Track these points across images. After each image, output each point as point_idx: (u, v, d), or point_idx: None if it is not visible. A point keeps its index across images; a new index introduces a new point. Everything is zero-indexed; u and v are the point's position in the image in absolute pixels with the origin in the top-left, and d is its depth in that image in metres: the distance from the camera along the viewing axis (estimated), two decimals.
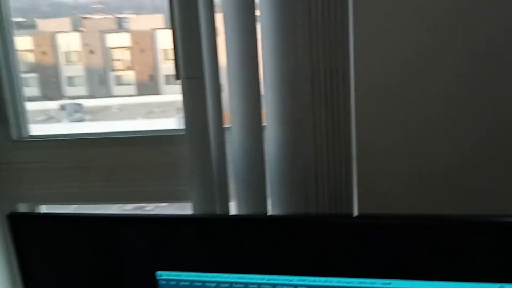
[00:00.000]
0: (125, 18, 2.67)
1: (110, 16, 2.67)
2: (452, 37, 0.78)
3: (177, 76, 0.90)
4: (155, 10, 2.73)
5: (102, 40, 2.65)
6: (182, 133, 0.92)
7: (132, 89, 2.84)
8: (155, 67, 2.78)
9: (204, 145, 0.90)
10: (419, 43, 0.80)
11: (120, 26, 2.68)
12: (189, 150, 0.91)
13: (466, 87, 0.78)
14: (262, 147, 0.90)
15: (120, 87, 2.77)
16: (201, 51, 0.86)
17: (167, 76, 2.93)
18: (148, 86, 2.76)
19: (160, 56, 2.81)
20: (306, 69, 0.85)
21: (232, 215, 0.87)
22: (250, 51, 0.87)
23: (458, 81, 0.78)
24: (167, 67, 2.99)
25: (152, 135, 1.00)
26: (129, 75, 2.73)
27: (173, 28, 0.88)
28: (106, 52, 2.68)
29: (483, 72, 0.77)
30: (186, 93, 0.89)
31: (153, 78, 2.81)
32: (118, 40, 2.68)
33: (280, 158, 0.90)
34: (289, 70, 0.86)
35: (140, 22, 2.68)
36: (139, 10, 2.73)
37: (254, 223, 0.73)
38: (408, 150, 0.84)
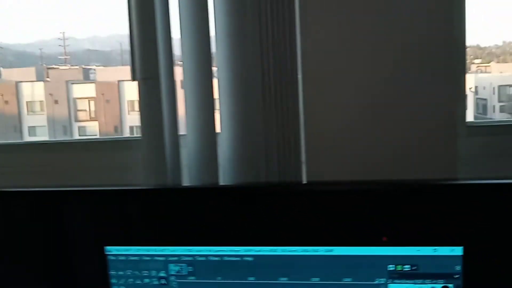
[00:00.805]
0: (92, 69, 2.69)
1: (77, 67, 2.69)
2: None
3: (133, 77, 0.90)
4: (123, 62, 2.77)
5: (67, 91, 2.65)
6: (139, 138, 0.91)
7: None
8: (120, 118, 2.77)
9: (159, 147, 0.89)
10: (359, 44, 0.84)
11: (87, 77, 2.70)
12: (144, 153, 0.89)
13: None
14: (215, 152, 0.89)
15: (83, 138, 2.76)
16: (157, 52, 0.87)
17: (132, 128, 2.93)
18: (112, 136, 2.75)
19: (126, 107, 2.83)
20: (257, 75, 0.86)
21: (180, 187, 0.84)
22: (205, 54, 0.88)
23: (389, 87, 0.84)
24: (134, 118, 2.99)
25: (108, 139, 0.99)
26: (93, 126, 2.72)
27: (130, 28, 0.89)
28: (71, 102, 2.68)
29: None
30: (142, 94, 0.89)
31: (118, 129, 2.79)
32: (83, 91, 2.69)
33: (234, 162, 0.89)
34: (241, 76, 0.87)
35: (107, 74, 2.71)
36: (106, 62, 2.76)
37: (201, 194, 0.71)
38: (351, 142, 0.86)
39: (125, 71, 2.99)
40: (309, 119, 0.86)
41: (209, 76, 0.89)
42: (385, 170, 0.82)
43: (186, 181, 0.90)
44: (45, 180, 0.95)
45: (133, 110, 3.03)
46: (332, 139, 0.87)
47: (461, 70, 0.87)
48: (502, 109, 1.86)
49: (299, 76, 0.86)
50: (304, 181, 0.87)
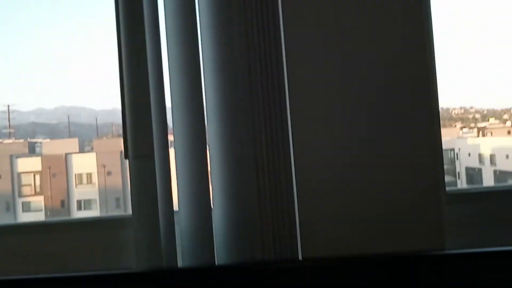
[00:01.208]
0: (37, 142, 2.61)
1: (21, 140, 2.61)
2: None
3: (126, 155, 0.89)
4: (71, 135, 2.71)
5: (11, 165, 2.54)
6: (127, 216, 0.89)
7: (41, 216, 2.69)
8: (68, 192, 2.68)
9: (153, 226, 0.87)
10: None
11: (32, 150, 2.61)
12: (137, 232, 0.87)
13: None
14: (210, 229, 0.89)
15: (27, 213, 2.62)
16: (152, 129, 0.87)
17: (79, 202, 2.82)
18: (59, 212, 2.63)
19: (74, 180, 2.74)
20: (249, 150, 0.88)
21: (177, 268, 0.83)
22: (198, 130, 0.89)
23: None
24: (81, 192, 2.90)
25: (95, 219, 0.96)
26: (39, 201, 2.60)
27: (122, 104, 0.89)
28: (15, 177, 2.57)
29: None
30: (135, 172, 0.88)
31: (65, 204, 2.69)
32: (28, 165, 2.59)
33: (229, 238, 0.88)
34: (234, 152, 0.89)
35: (53, 147, 2.63)
36: (53, 134, 2.70)
37: (199, 275, 0.70)
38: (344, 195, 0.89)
39: (73, 144, 2.93)
40: (302, 193, 0.88)
41: (202, 151, 0.90)
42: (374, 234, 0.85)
43: (180, 260, 0.88)
44: (30, 264, 0.90)
45: (80, 183, 2.94)
46: (325, 214, 0.88)
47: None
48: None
49: (291, 152, 0.88)
50: (300, 257, 0.87)
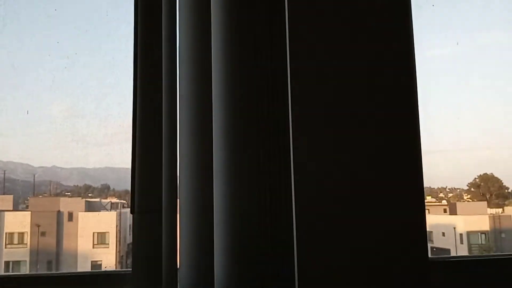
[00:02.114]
0: None
1: None
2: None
3: (132, 210, 0.89)
4: (5, 191, 2.57)
5: None
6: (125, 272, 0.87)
7: None
8: None
9: (154, 283, 0.86)
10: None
11: None
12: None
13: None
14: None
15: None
16: (161, 184, 0.88)
17: (7, 263, 2.62)
18: None
19: (4, 240, 2.56)
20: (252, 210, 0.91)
21: None
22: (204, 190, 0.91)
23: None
24: (10, 252, 2.69)
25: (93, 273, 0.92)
26: None
27: (133, 159, 0.90)
28: None
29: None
30: (140, 226, 0.88)
31: None
32: None
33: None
34: (238, 213, 0.91)
35: None
36: None
37: None
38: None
39: (7, 201, 2.77)
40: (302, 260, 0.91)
41: (206, 208, 0.91)
42: None
43: None
44: None
45: (11, 243, 2.74)
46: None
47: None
48: None
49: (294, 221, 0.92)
50: None
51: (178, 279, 0.88)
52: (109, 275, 0.92)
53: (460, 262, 1.06)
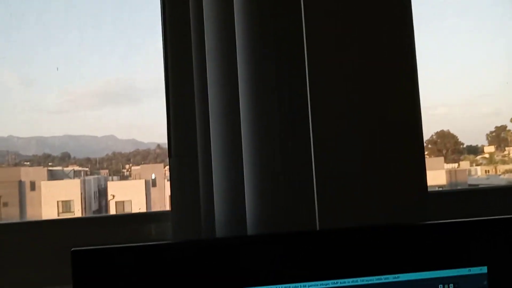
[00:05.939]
0: None
1: None
2: None
3: (169, 154, 0.97)
4: None
5: None
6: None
7: None
8: None
9: (193, 222, 0.95)
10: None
11: None
12: (175, 227, 0.95)
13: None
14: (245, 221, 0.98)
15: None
16: (195, 131, 0.97)
17: None
18: None
19: None
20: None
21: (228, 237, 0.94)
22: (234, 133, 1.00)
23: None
24: None
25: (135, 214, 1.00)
26: None
27: (167, 106, 0.97)
28: None
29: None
30: (175, 170, 0.96)
31: None
32: None
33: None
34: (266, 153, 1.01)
35: None
36: None
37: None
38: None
39: None
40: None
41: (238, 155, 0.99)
42: None
43: None
44: None
45: None
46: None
47: None
48: None
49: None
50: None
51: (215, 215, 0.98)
52: (150, 214, 1.00)
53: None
